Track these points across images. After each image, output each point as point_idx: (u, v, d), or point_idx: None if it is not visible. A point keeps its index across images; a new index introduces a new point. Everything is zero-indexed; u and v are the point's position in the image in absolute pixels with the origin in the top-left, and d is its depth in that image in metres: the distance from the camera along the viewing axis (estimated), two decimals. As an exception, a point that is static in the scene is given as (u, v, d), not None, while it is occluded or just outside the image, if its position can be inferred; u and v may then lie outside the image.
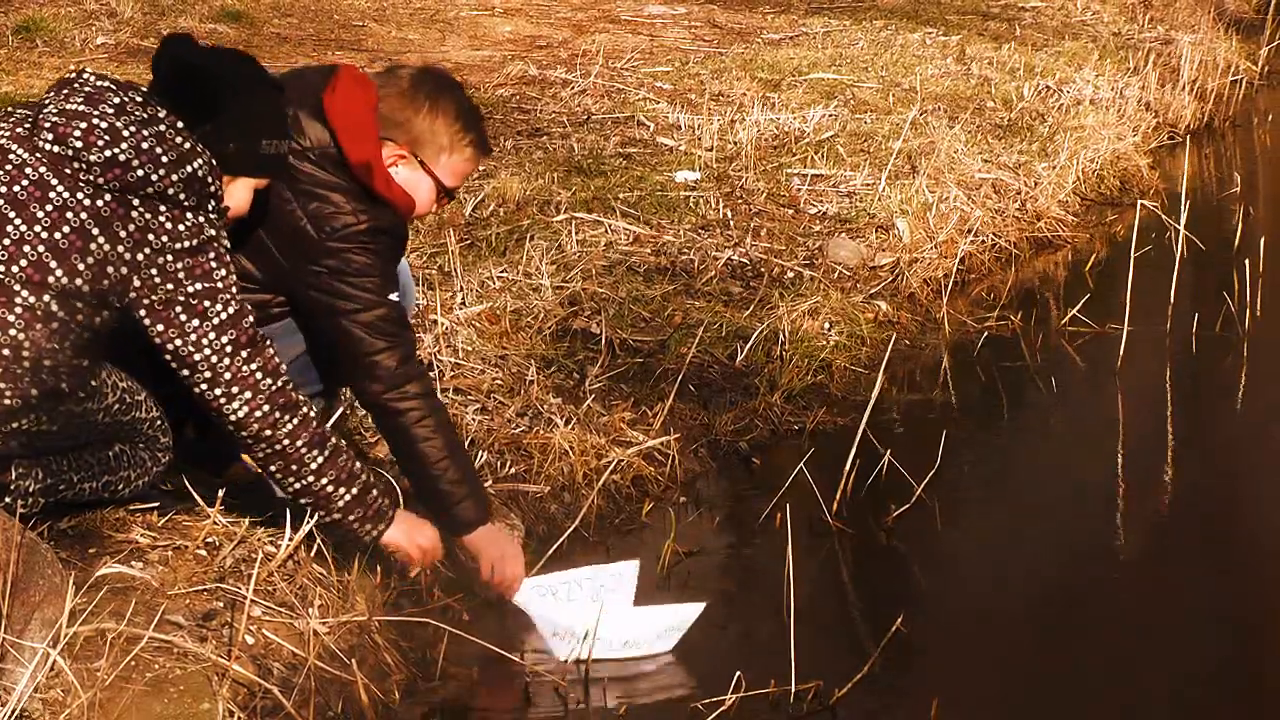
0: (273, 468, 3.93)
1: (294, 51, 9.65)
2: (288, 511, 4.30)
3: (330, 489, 3.98)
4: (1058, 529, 5.27)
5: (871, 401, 5.36)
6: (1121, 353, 6.57)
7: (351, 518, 4.05)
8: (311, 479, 3.95)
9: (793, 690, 4.14)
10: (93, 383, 3.81)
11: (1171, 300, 7.00)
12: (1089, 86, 10.30)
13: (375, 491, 4.08)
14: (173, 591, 3.97)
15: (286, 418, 3.87)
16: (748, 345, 6.20)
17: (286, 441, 3.89)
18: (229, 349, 3.78)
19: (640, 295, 6.42)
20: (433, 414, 4.24)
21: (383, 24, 10.69)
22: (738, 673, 4.19)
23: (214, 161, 3.76)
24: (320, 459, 3.94)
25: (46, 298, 3.63)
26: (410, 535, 4.18)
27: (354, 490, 4.02)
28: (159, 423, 4.00)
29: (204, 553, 4.15)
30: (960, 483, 5.44)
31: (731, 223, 7.31)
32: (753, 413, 5.87)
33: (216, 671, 3.76)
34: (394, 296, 4.21)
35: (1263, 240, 7.46)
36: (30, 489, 3.85)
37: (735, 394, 5.95)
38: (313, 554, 4.24)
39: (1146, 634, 4.62)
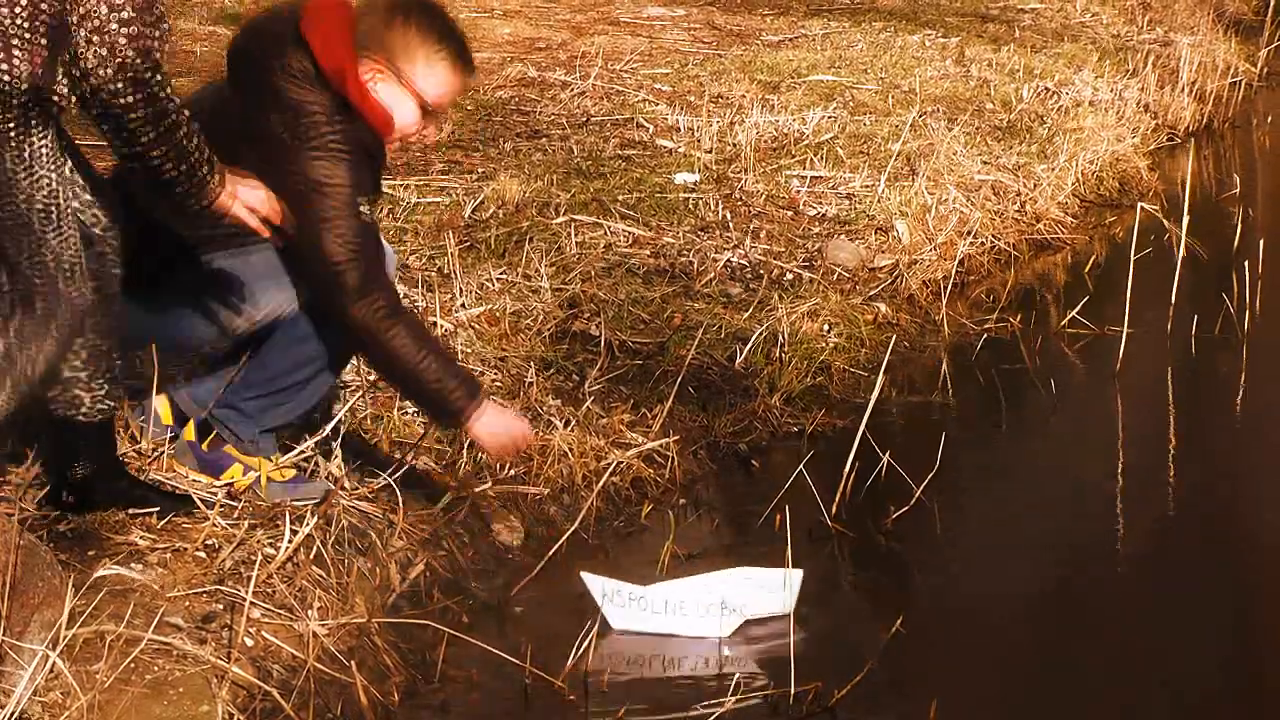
0: (105, 127, 3.80)
1: (293, 54, 9.64)
2: (287, 514, 4.31)
3: (158, 159, 3.84)
4: (1058, 529, 5.27)
5: (871, 403, 5.36)
6: (1121, 354, 6.57)
7: (192, 185, 3.91)
8: (140, 149, 3.82)
9: (792, 691, 4.14)
10: (23, 130, 3.66)
11: (1171, 302, 7.00)
12: (1088, 88, 10.29)
13: (212, 165, 3.94)
14: (172, 594, 3.97)
15: (132, 89, 3.73)
16: (747, 347, 6.20)
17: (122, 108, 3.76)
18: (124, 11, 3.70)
19: (639, 297, 6.42)
20: (402, 320, 4.25)
21: (382, 27, 10.68)
22: (737, 674, 4.20)
23: None
24: (153, 133, 3.80)
25: None
26: (238, 190, 4.05)
27: (184, 166, 3.87)
28: (70, 270, 3.82)
29: (203, 555, 4.16)
30: (960, 484, 5.44)
31: (731, 224, 7.31)
32: (752, 414, 5.87)
33: (216, 674, 3.76)
34: (364, 209, 4.22)
35: (1262, 242, 7.46)
36: None
37: (734, 396, 5.95)
38: (312, 556, 4.25)
39: (1146, 634, 4.62)
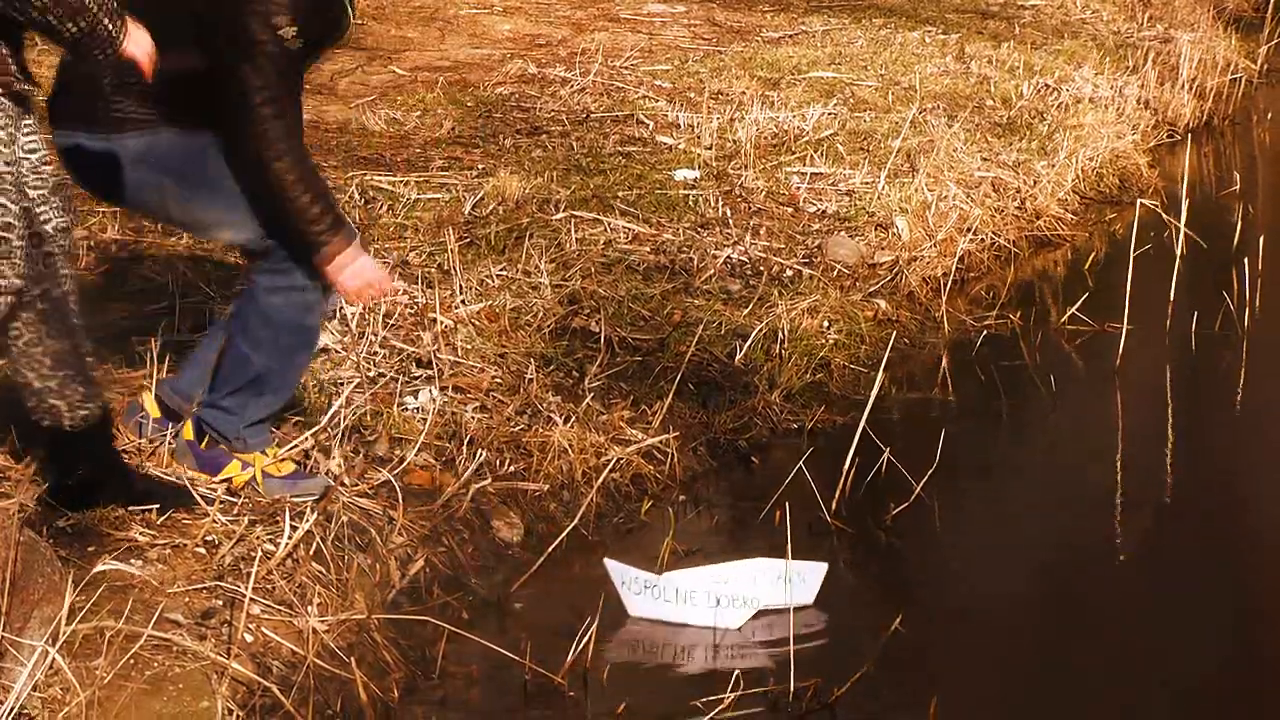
0: None
1: (293, 49, 9.63)
2: (287, 510, 4.31)
3: (55, 21, 3.82)
4: (1058, 529, 5.27)
5: (871, 400, 5.36)
6: (1121, 351, 6.57)
7: (95, 40, 3.85)
8: (35, 13, 3.79)
9: (792, 689, 4.15)
10: None
11: (1171, 299, 7.00)
12: (1088, 85, 10.28)
13: (114, 16, 3.87)
14: (172, 589, 3.97)
15: None
16: (747, 343, 6.19)
17: None
18: None
19: (639, 293, 6.42)
20: (291, 153, 4.20)
21: (382, 22, 10.68)
22: (737, 670, 4.20)
23: None
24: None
25: None
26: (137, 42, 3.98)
27: (82, 23, 3.82)
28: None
29: (203, 551, 4.15)
30: (960, 481, 5.44)
31: (731, 221, 7.31)
32: (752, 411, 5.87)
33: (215, 670, 3.76)
34: (286, 32, 4.17)
35: (1262, 239, 7.46)
36: None
37: (734, 392, 5.95)
38: (311, 552, 4.25)
39: (1146, 634, 4.62)
